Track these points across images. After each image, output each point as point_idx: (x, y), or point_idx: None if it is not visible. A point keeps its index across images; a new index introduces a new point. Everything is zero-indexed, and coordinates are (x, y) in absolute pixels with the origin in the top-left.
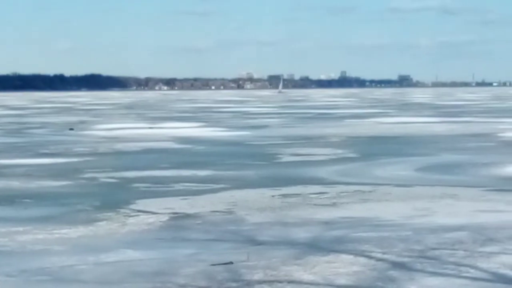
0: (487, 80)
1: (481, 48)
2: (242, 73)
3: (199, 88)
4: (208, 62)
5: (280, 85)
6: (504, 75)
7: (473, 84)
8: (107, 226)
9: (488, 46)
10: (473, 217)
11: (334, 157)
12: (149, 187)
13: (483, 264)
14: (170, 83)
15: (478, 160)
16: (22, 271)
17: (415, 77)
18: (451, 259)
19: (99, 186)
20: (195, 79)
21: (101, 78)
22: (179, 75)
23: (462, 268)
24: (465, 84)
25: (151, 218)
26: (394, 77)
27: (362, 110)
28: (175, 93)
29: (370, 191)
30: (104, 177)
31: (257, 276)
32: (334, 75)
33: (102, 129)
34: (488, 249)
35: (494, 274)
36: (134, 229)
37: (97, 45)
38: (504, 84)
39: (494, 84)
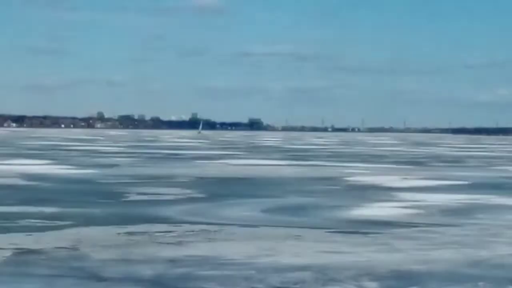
0: (337, 126)
1: (331, 94)
2: (92, 112)
3: (49, 126)
4: (58, 100)
5: (200, 126)
6: (354, 121)
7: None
8: None
9: (338, 92)
10: (316, 258)
11: (182, 197)
12: None
13: None
14: (19, 120)
15: (323, 202)
16: None
17: (265, 121)
18: None
19: None
20: (45, 117)
21: None
22: (29, 113)
23: None
24: (315, 129)
25: None
26: (245, 120)
27: (212, 152)
28: (24, 130)
29: (215, 231)
30: None
31: None
32: (185, 116)
33: None
34: None
35: None
36: None
37: None
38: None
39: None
